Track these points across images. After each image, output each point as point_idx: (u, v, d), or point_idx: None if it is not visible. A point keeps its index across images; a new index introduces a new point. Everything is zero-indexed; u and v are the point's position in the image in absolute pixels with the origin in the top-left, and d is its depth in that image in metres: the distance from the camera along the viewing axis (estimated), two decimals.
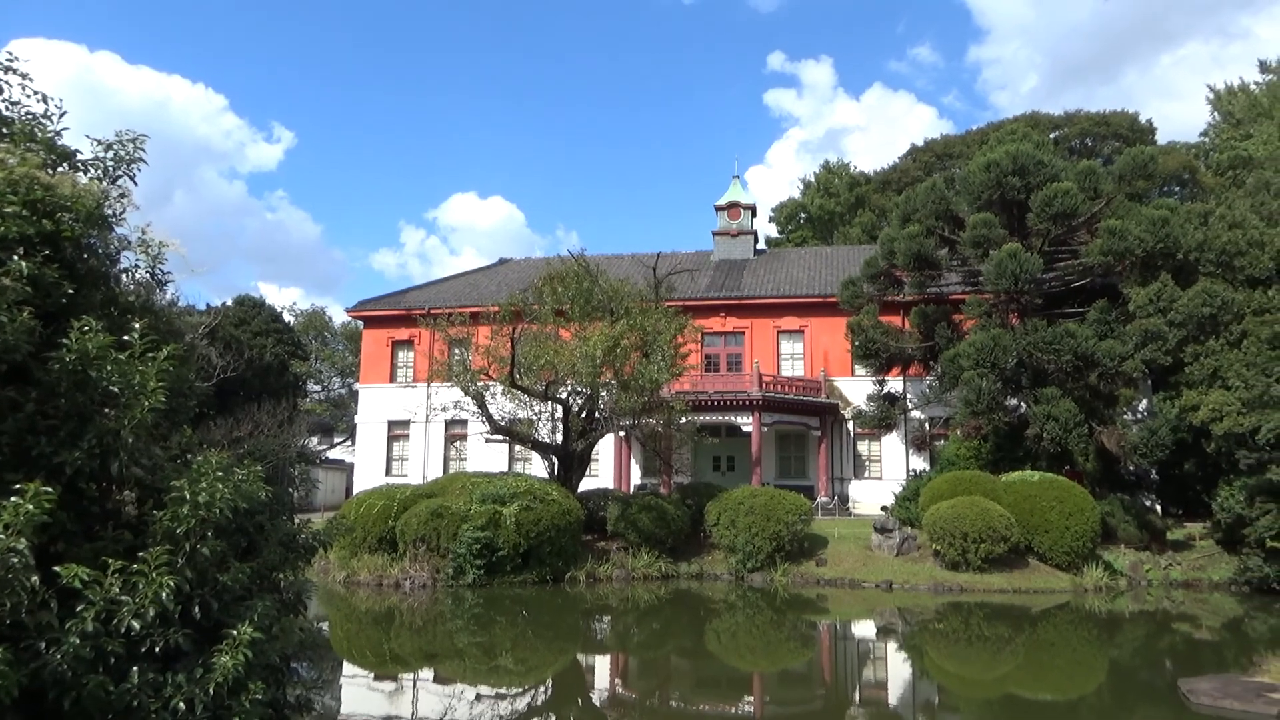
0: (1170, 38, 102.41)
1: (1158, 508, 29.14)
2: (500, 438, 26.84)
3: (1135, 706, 11.98)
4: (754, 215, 42.56)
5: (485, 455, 33.88)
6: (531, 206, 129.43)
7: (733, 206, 41.84)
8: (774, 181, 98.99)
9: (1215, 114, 55.08)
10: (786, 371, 35.89)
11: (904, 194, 32.76)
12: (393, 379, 38.95)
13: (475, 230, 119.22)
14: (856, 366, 33.27)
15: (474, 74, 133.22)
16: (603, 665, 14.95)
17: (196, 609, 5.07)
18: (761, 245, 47.21)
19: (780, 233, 63.11)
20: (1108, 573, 22.61)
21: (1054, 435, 24.37)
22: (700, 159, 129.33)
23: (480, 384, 25.11)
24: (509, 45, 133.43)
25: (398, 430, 38.26)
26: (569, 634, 17.04)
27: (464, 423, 32.17)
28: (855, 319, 30.49)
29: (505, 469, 32.17)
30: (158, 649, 4.76)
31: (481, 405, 25.09)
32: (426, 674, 13.65)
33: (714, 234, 41.95)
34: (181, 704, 4.70)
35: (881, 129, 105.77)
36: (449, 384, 26.21)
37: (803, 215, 62.59)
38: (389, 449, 38.40)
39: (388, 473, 37.43)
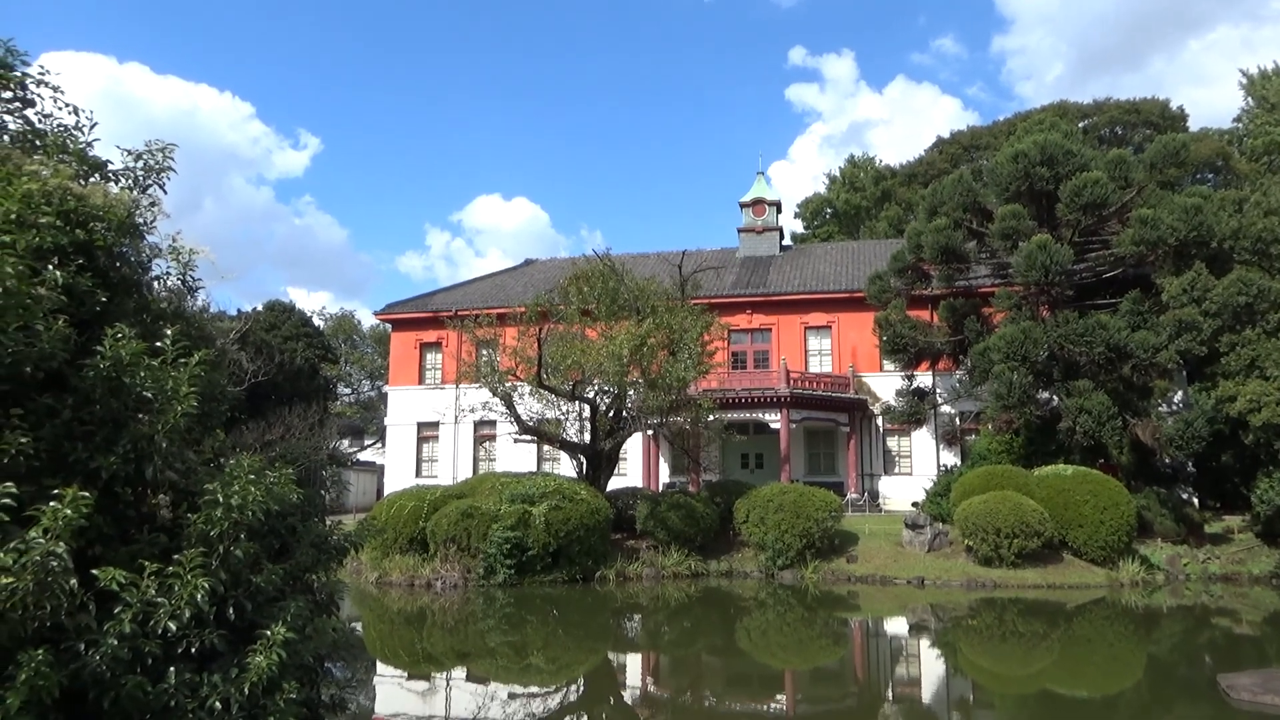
0: (1198, 23, 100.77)
1: (1195, 501, 28.64)
2: (528, 438, 26.96)
3: (1174, 703, 11.81)
4: (779, 211, 42.39)
5: (514, 455, 34.03)
6: (555, 207, 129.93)
7: (757, 203, 41.69)
8: (798, 177, 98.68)
9: (1249, 99, 54.07)
10: (814, 368, 35.72)
11: (930, 187, 32.48)
12: (421, 381, 39.24)
13: (500, 232, 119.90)
14: (885, 362, 33.02)
15: (495, 76, 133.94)
16: (634, 664, 14.96)
17: (231, 610, 5.15)
18: (787, 241, 47.08)
19: (806, 228, 62.83)
20: (1144, 567, 22.28)
21: (1087, 428, 24.05)
22: (724, 156, 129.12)
23: (508, 385, 25.22)
24: (530, 47, 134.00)
25: (427, 432, 38.53)
26: (600, 633, 17.07)
27: (492, 423, 32.33)
28: (883, 314, 30.25)
29: (534, 469, 32.29)
30: (194, 650, 4.84)
31: (509, 406, 25.20)
32: (459, 673, 13.75)
33: (739, 231, 41.83)
34: (218, 703, 4.77)
35: (905, 122, 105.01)
36: (477, 385, 26.35)
37: (828, 210, 62.27)
38: (419, 450, 38.69)
39: (418, 474, 37.71)
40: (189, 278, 6.63)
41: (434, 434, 38.32)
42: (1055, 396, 26.16)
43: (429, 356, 39.80)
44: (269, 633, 5.04)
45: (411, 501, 23.10)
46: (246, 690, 4.85)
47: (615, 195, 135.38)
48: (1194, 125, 53.54)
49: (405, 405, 38.94)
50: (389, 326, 42.55)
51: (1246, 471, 25.63)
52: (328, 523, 7.58)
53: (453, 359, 33.31)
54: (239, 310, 42.75)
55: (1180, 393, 29.10)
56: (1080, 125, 51.26)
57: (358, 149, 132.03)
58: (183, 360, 5.46)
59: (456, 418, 31.97)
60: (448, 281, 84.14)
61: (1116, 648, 15.69)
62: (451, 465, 37.20)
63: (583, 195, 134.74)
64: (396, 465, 38.45)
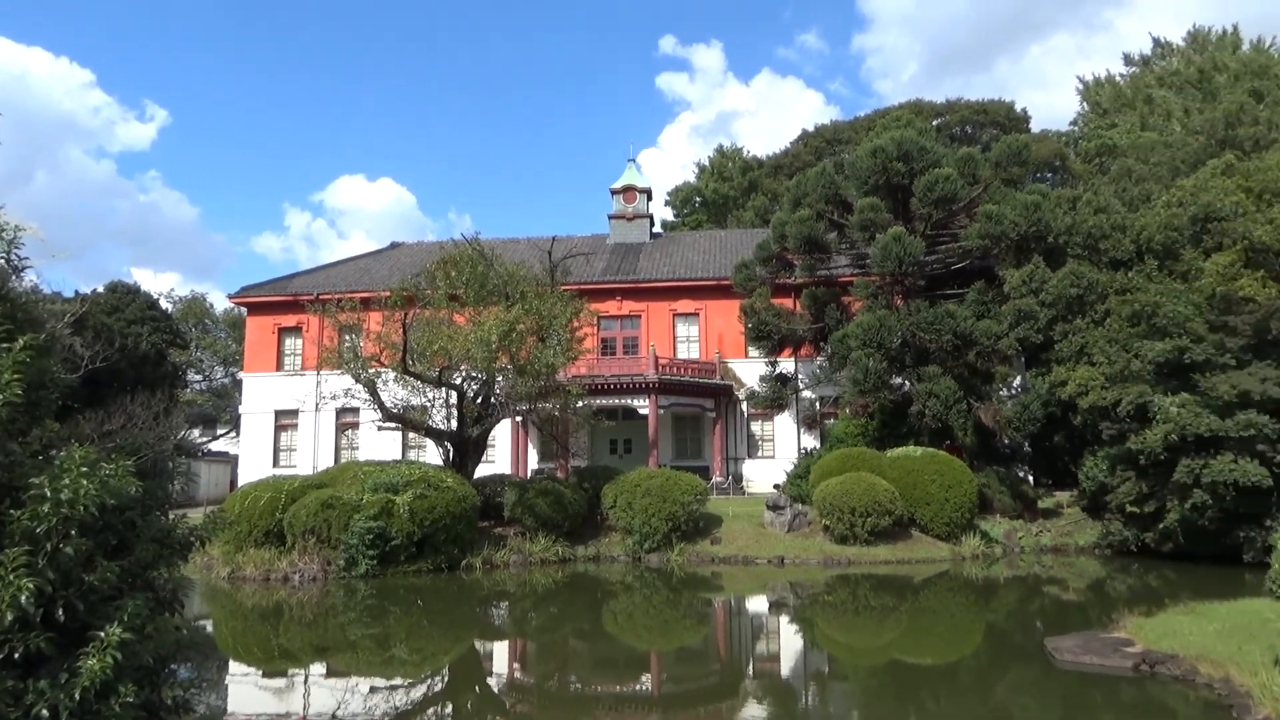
0: (1040, 29, 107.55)
1: (1030, 478, 30.78)
2: (393, 425, 26.34)
3: (1008, 666, 12.70)
4: (649, 199, 42.76)
5: (378, 444, 33.20)
6: (423, 189, 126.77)
7: (628, 190, 41.93)
8: (668, 165, 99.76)
9: (1084, 104, 58.06)
10: (682, 354, 36.32)
11: (795, 179, 33.49)
12: (280, 367, 37.73)
13: (364, 213, 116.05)
14: (750, 348, 33.93)
15: (359, 51, 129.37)
16: (500, 651, 14.92)
17: (61, 611, 4.84)
18: (657, 229, 47.57)
19: (676, 216, 63.61)
20: (984, 541, 23.82)
21: (936, 412, 25.46)
22: (595, 142, 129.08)
23: (372, 371, 24.58)
24: (397, 24, 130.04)
25: (285, 420, 37.08)
26: (465, 621, 16.92)
27: (355, 411, 31.42)
28: (748, 301, 31.06)
29: (399, 457, 31.58)
30: (17, 655, 4.53)
31: (373, 393, 24.57)
32: (318, 669, 13.34)
33: (610, 217, 41.98)
34: (45, 711, 4.49)
35: (771, 114, 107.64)
36: (339, 371, 25.51)
37: (698, 199, 63.24)
38: (276, 439, 37.20)
39: (275, 464, 36.23)
40: (13, 256, 6.16)
41: (293, 422, 36.91)
42: (907, 381, 27.54)
43: (288, 342, 38.26)
44: (103, 634, 4.77)
45: (268, 492, 22.21)
46: (78, 695, 4.58)
47: (485, 179, 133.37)
48: (1035, 127, 57.14)
49: (262, 393, 37.33)
50: (245, 310, 40.65)
51: (1075, 451, 27.70)
52: (172, 516, 7.23)
53: (314, 344, 32.20)
54: (76, 292, 39.87)
55: (1019, 378, 31.14)
56: (934, 123, 53.99)
57: (210, 123, 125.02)
58: (5, 345, 5.08)
59: (317, 405, 30.85)
60: (309, 264, 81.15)
61: (958, 617, 16.73)
62: (312, 455, 35.94)
63: (451, 178, 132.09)
64: (252, 455, 36.83)
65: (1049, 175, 51.87)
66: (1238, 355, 21.06)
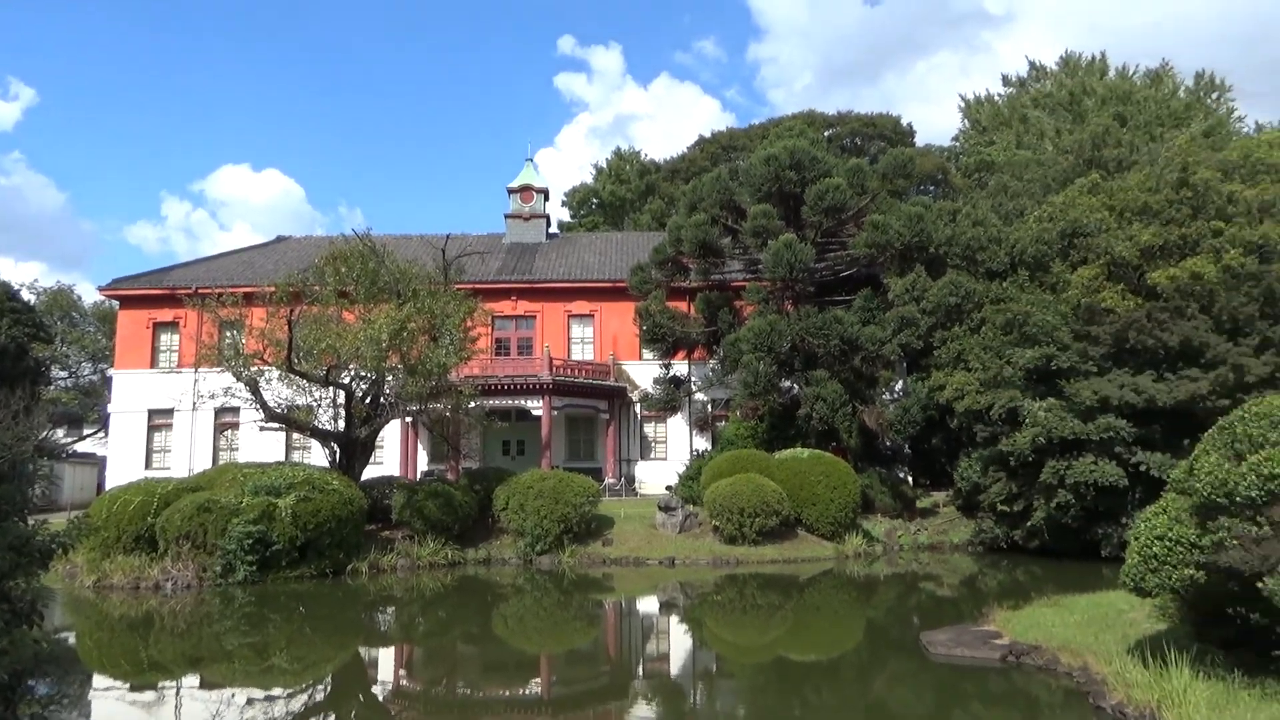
0: (924, 47, 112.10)
1: (910, 479, 32.04)
2: (276, 426, 25.46)
3: (886, 660, 13.18)
4: (547, 199, 42.59)
5: (260, 445, 32.02)
6: (312, 182, 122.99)
7: (525, 189, 41.66)
8: (565, 165, 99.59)
9: (965, 121, 60.75)
10: (577, 355, 36.31)
11: (691, 183, 33.97)
12: (154, 364, 35.96)
13: (248, 205, 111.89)
14: (644, 350, 34.18)
15: (245, 35, 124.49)
16: (386, 658, 14.60)
17: None
18: (554, 229, 47.42)
19: (573, 217, 63.55)
20: (866, 540, 24.68)
21: (822, 414, 26.21)
22: (492, 140, 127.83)
23: (254, 369, 23.72)
24: (286, 10, 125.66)
25: (160, 420, 35.36)
26: (350, 628, 16.48)
27: (236, 411, 30.25)
28: (643, 304, 31.33)
29: (282, 459, 30.53)
30: None
31: (256, 392, 23.70)
32: (191, 680, 12.77)
33: (506, 217, 41.64)
34: None
35: (668, 118, 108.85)
36: (219, 369, 24.52)
37: (595, 200, 63.32)
38: (150, 440, 35.42)
39: (148, 466, 34.50)
40: None
41: (168, 422, 35.23)
42: (796, 385, 28.27)
43: (164, 337, 36.51)
44: None
45: (139, 496, 21.13)
46: None
47: (378, 174, 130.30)
48: (920, 141, 59.46)
49: (134, 391, 35.47)
50: (117, 304, 38.47)
51: (952, 452, 28.98)
52: (32, 522, 6.82)
53: (192, 341, 30.80)
54: None
55: (901, 382, 32.35)
56: (825, 134, 55.43)
57: (82, 103, 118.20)
58: None
59: (195, 404, 29.47)
60: (188, 256, 77.43)
61: (840, 614, 17.27)
62: (188, 456, 34.38)
63: (342, 171, 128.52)
64: (122, 457, 34.94)
65: (932, 188, 54.05)
66: (1099, 363, 22.42)
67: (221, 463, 31.40)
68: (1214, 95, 52.71)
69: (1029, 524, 23.21)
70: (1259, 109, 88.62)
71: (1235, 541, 8.08)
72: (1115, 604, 12.88)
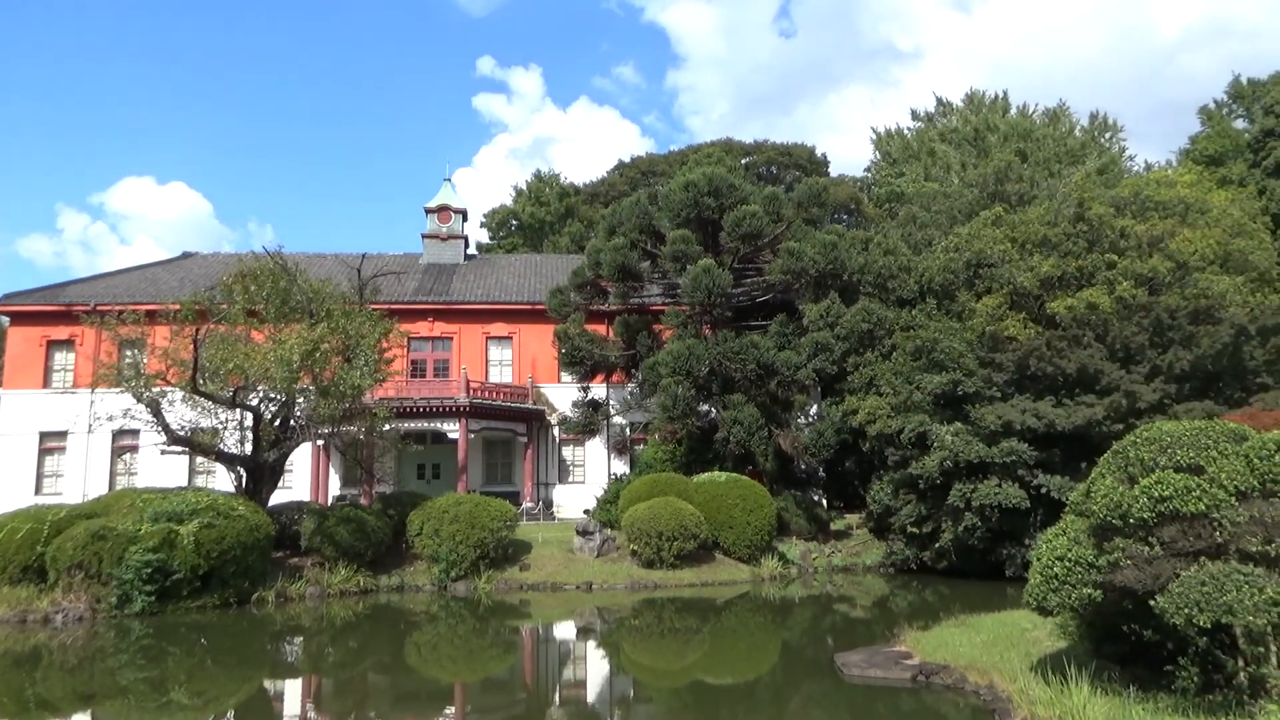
0: (837, 80, 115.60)
1: (824, 502, 32.59)
2: (179, 449, 24.47)
3: (801, 682, 13.31)
4: (465, 220, 42.22)
5: (161, 469, 30.74)
6: (220, 197, 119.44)
7: (443, 210, 41.24)
8: (483, 186, 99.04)
9: (877, 153, 62.70)
10: (495, 378, 35.97)
11: (610, 207, 34.18)
12: (47, 384, 34.24)
13: (152, 219, 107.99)
14: (563, 373, 34.08)
15: (151, 41, 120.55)
16: (293, 690, 14.08)
17: None
18: (472, 250, 47.07)
19: (492, 238, 63.19)
20: (782, 562, 24.98)
21: (739, 438, 26.51)
22: (409, 160, 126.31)
23: (156, 390, 22.77)
24: (197, 19, 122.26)
25: (52, 443, 33.63)
26: (254, 660, 15.86)
27: (136, 433, 28.98)
28: (562, 327, 31.27)
29: (185, 483, 29.38)
30: None
31: (157, 414, 22.76)
32: (82, 718, 12.10)
33: (424, 237, 41.13)
34: None
35: (587, 142, 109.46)
36: (118, 390, 23.45)
37: (514, 222, 63.10)
38: (40, 464, 33.60)
39: (38, 491, 32.73)
40: None
41: (60, 445, 33.53)
42: (714, 409, 28.55)
43: (58, 356, 34.80)
44: None
45: (27, 524, 19.98)
46: None
47: (291, 190, 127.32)
48: (833, 171, 61.17)
49: (24, 412, 33.64)
50: (6, 320, 36.59)
51: (864, 475, 29.64)
52: None
53: (89, 360, 29.47)
54: None
55: (815, 406, 32.95)
56: (743, 162, 56.68)
57: None
58: None
59: (91, 427, 28.18)
60: (86, 271, 74.48)
61: (756, 637, 17.38)
62: (82, 481, 32.74)
63: (253, 187, 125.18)
64: (9, 482, 33.00)
65: (845, 217, 55.51)
66: (1003, 389, 23.27)
67: (119, 488, 30.02)
68: (1107, 135, 55.70)
69: (938, 545, 23.85)
70: (1148, 149, 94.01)
71: (1129, 561, 8.44)
72: (1019, 623, 13.31)
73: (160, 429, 22.99)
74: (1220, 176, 37.50)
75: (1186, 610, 7.71)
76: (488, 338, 36.80)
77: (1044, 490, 21.60)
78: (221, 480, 27.63)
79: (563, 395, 34.38)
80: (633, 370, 31.73)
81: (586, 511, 29.00)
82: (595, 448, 35.47)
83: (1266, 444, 8.28)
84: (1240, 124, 44.21)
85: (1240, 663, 8.27)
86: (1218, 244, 25.38)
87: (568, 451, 36.04)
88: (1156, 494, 8.30)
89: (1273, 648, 8.07)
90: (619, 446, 34.83)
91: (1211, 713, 8.11)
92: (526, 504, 31.74)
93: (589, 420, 31.98)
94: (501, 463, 35.41)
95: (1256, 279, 26.56)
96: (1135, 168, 51.48)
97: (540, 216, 61.74)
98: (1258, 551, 7.93)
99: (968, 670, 11.20)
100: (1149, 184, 30.20)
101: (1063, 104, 57.17)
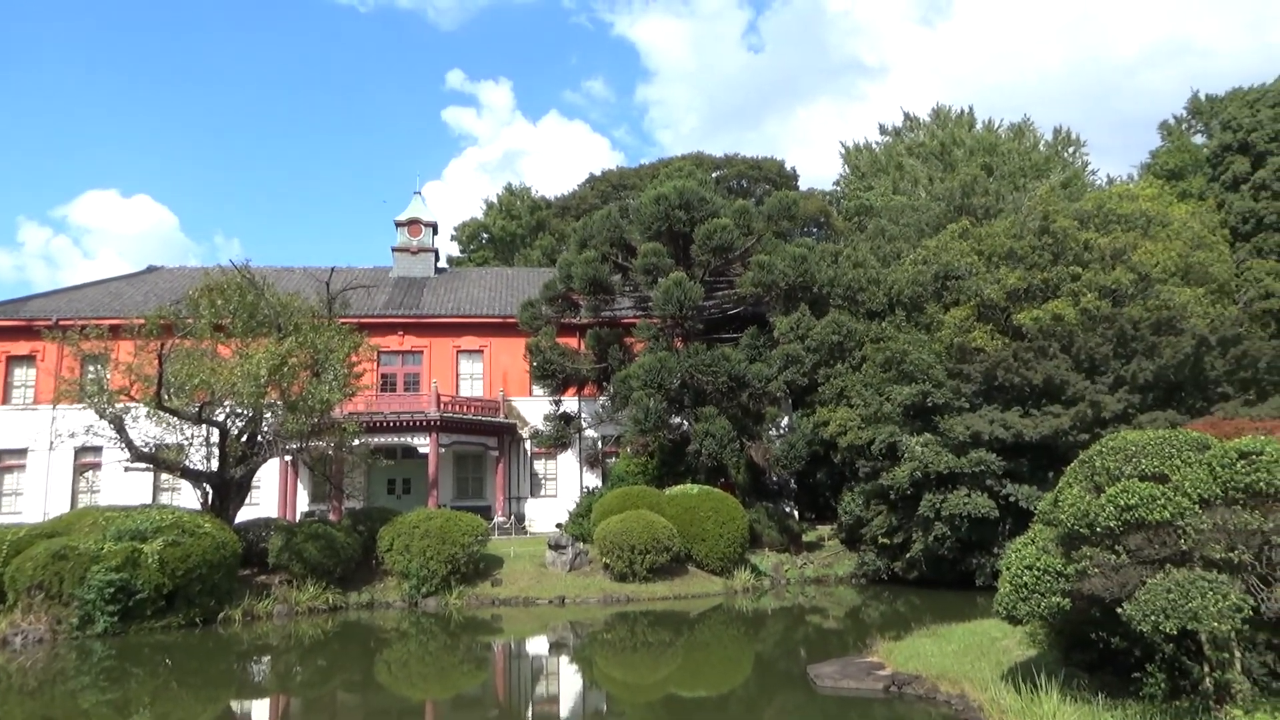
0: (805, 95, 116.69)
1: (796, 513, 32.69)
2: (143, 466, 24.05)
3: (774, 694, 13.30)
4: (435, 233, 42.03)
5: (125, 487, 30.21)
6: (186, 210, 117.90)
7: (413, 223, 41.05)
8: (453, 200, 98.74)
9: (845, 166, 63.29)
10: (466, 391, 35.78)
11: (582, 220, 34.20)
12: (6, 400, 33.61)
13: (115, 233, 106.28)
14: (534, 387, 33.95)
15: (115, 52, 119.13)
16: (260, 710, 13.85)
17: None
18: (443, 264, 46.85)
19: (462, 252, 62.96)
20: (754, 574, 24.99)
21: (711, 450, 26.55)
22: (379, 173, 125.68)
23: (120, 406, 22.36)
24: (164, 28, 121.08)
25: (11, 460, 32.96)
26: (221, 680, 15.58)
27: (98, 450, 28.45)
28: (534, 340, 31.20)
29: (149, 501, 28.87)
30: None
31: (121, 430, 22.36)
32: None
33: (394, 250, 40.89)
34: None
35: (558, 155, 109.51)
36: (81, 406, 23.03)
37: (484, 235, 62.96)
38: None
39: None
40: None
41: (20, 463, 32.86)
42: (686, 421, 28.59)
43: (18, 372, 34.16)
44: None
45: None
46: None
47: (258, 203, 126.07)
48: (803, 184, 61.62)
49: None
50: None
51: (836, 487, 29.79)
52: None
53: (50, 376, 29.03)
54: None
55: (786, 418, 33.10)
56: (713, 175, 56.84)
57: None
58: None
59: (52, 444, 27.60)
60: (48, 285, 73.37)
61: (729, 649, 17.38)
62: (43, 499, 32.09)
63: (219, 199, 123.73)
64: None
65: (815, 230, 55.92)
66: (971, 399, 23.51)
67: (81, 506, 29.45)
68: (1070, 149, 56.64)
69: (908, 555, 23.99)
70: (1110, 163, 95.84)
71: (1097, 569, 8.53)
72: (989, 632, 13.40)
73: (124, 446, 22.60)
74: (1180, 190, 38.26)
75: (1153, 617, 7.80)
76: (458, 351, 36.62)
77: (1012, 500, 21.82)
78: (187, 497, 27.20)
79: (534, 409, 34.26)
80: (604, 383, 31.71)
81: (559, 525, 28.88)
82: (567, 461, 35.34)
83: (1228, 452, 8.42)
84: (1199, 139, 45.15)
85: (1206, 669, 8.38)
86: (1179, 256, 25.88)
87: (539, 465, 35.89)
88: (1122, 502, 8.40)
89: (1237, 654, 8.19)
90: (591, 460, 34.74)
91: (1179, 718, 8.21)
92: (498, 518, 31.55)
93: (561, 434, 31.88)
94: (473, 477, 35.18)
95: (1216, 290, 27.11)
96: (1098, 181, 52.42)
97: (511, 230, 61.63)
98: (1221, 558, 8.04)
99: (939, 680, 11.25)
100: (1112, 197, 30.73)
101: (1027, 119, 58.17)
